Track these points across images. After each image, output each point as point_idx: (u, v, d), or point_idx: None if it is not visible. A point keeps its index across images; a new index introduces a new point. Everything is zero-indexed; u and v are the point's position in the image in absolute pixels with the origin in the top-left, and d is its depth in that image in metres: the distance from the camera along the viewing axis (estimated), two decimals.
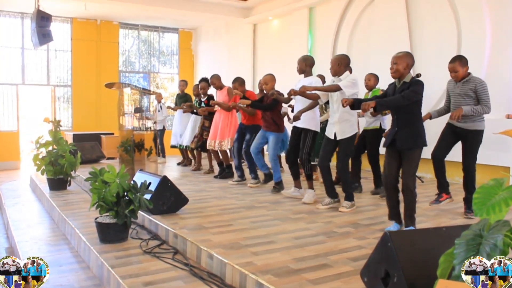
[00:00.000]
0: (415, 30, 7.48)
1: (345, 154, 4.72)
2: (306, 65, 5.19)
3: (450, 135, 4.64)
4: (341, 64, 4.68)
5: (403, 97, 3.68)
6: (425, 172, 6.92)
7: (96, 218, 3.97)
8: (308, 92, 4.74)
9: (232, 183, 6.40)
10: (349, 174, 4.89)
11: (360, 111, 4.10)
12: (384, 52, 7.86)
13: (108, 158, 9.48)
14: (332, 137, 4.73)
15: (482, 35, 6.43)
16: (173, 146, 8.61)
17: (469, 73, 4.47)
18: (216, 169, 7.46)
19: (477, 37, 6.51)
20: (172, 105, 9.20)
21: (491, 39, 6.34)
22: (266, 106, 5.74)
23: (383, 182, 3.98)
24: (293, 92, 4.80)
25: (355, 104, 3.99)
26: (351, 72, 4.92)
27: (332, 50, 8.98)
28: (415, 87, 3.71)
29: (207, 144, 6.99)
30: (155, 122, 9.25)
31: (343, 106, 4.02)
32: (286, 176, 6.40)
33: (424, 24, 7.35)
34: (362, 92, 6.41)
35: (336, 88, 4.54)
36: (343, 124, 4.66)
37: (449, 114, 4.79)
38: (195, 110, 7.84)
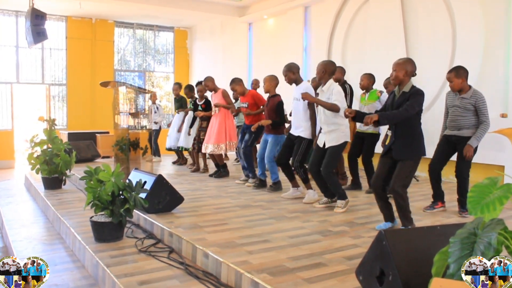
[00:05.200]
0: (410, 30, 7.50)
1: (331, 159, 4.63)
2: (293, 73, 5.15)
3: (446, 146, 4.65)
4: (326, 72, 4.63)
5: (406, 110, 3.61)
6: (420, 171, 6.93)
7: (91, 217, 3.95)
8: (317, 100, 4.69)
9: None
10: (336, 176, 4.82)
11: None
12: (379, 51, 7.90)
13: (103, 157, 9.47)
14: (321, 145, 4.73)
15: (476, 35, 6.46)
16: (168, 149, 8.57)
17: (470, 86, 4.48)
18: (211, 168, 7.45)
19: (471, 37, 6.53)
20: (169, 105, 9.14)
21: (485, 39, 6.36)
22: (280, 120, 5.68)
23: (372, 183, 4.00)
24: (305, 97, 4.72)
25: (357, 116, 3.91)
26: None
27: (328, 49, 8.99)
28: (417, 98, 3.64)
29: (202, 147, 6.93)
30: (155, 123, 9.21)
31: (345, 117, 3.99)
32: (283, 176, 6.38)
33: (419, 24, 7.36)
34: (357, 93, 6.44)
35: (336, 109, 4.49)
36: (332, 134, 4.65)
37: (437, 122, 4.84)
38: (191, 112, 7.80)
